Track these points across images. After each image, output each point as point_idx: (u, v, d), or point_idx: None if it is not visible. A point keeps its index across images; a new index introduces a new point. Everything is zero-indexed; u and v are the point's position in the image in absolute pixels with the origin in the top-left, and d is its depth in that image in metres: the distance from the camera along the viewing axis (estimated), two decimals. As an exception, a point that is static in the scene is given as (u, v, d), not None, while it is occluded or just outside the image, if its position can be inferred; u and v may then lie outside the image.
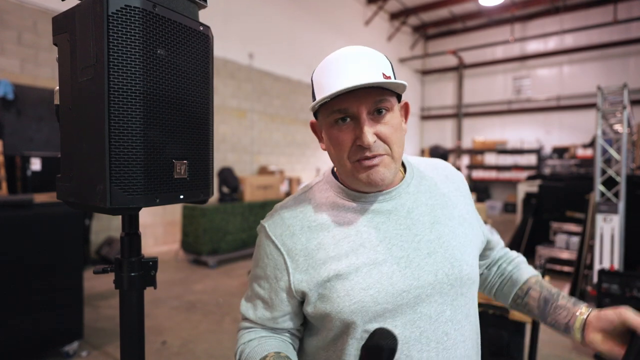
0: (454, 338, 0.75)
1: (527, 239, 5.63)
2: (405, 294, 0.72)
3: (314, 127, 0.84)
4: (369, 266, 0.73)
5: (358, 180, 0.74)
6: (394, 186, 0.81)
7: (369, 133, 0.70)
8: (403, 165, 0.87)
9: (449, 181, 0.88)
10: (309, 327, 0.85)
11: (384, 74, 0.71)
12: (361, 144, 0.70)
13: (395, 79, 0.73)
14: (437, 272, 0.75)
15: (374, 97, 0.71)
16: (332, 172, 0.86)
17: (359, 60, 0.71)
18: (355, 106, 0.70)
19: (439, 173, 0.89)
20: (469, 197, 0.90)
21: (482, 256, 0.98)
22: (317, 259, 0.75)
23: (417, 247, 0.76)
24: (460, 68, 13.35)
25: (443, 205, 0.83)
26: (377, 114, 0.72)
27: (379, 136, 0.72)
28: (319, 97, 0.70)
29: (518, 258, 1.01)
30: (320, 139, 0.82)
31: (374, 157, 0.72)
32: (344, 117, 0.72)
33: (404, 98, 0.81)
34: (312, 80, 0.78)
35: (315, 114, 0.81)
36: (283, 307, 0.79)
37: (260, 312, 0.82)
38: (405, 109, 0.81)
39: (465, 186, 0.91)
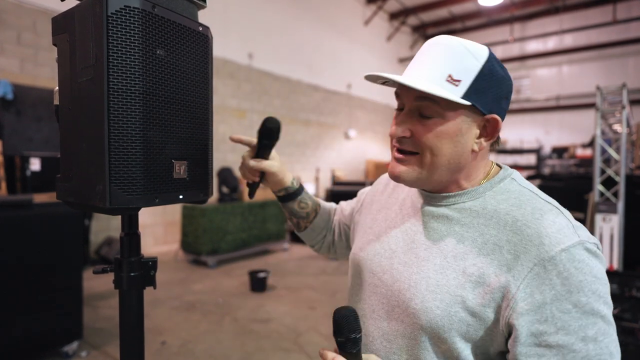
0: (381, 348, 0.74)
1: (527, 238, 5.62)
2: (371, 275, 0.80)
3: None
4: (374, 236, 0.85)
5: (388, 168, 0.77)
6: (450, 192, 0.73)
7: (400, 125, 0.69)
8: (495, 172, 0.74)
9: (512, 231, 0.64)
10: None
11: (450, 76, 0.63)
12: (390, 133, 0.72)
13: (473, 84, 0.64)
14: (395, 283, 0.73)
15: (417, 93, 0.65)
16: None
17: (426, 58, 0.67)
18: (405, 95, 0.69)
19: (510, 212, 0.66)
20: (528, 275, 0.59)
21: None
22: (371, 210, 0.93)
23: (405, 252, 0.75)
24: (459, 68, 13.35)
25: (465, 241, 0.67)
26: (422, 117, 0.67)
27: (413, 134, 0.68)
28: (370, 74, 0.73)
29: None
30: None
31: (400, 151, 0.70)
32: (401, 106, 0.71)
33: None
34: None
35: None
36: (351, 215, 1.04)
37: (346, 206, 1.08)
38: (493, 125, 0.67)
39: (540, 262, 0.59)
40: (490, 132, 0.68)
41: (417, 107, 0.67)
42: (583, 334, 0.57)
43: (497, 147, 0.77)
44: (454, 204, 0.72)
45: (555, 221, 0.62)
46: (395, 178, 0.72)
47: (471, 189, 0.71)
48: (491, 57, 0.66)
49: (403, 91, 0.69)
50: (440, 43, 0.66)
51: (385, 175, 0.93)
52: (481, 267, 0.64)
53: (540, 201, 0.67)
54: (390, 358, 0.72)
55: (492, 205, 0.68)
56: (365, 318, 0.78)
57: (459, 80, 0.63)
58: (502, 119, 0.68)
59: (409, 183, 0.72)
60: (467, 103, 0.64)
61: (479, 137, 0.68)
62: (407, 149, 0.69)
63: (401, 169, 0.70)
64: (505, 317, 0.61)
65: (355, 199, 1.05)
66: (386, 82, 0.71)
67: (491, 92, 0.65)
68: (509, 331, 0.61)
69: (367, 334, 0.77)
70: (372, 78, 0.70)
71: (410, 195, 0.83)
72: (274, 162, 0.97)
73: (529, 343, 0.58)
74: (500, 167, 0.76)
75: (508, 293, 0.60)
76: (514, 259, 0.61)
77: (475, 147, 0.68)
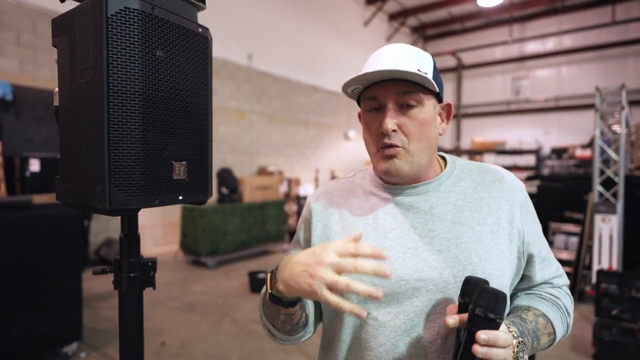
0: (449, 344, 0.72)
1: (526, 239, 5.62)
2: (404, 282, 0.74)
3: (359, 117, 0.88)
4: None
5: (379, 168, 0.78)
6: (424, 181, 0.81)
7: (390, 121, 0.73)
8: (445, 162, 0.87)
9: (495, 188, 0.82)
10: (322, 308, 0.89)
11: (419, 70, 0.71)
12: (382, 130, 0.74)
13: (434, 78, 0.74)
14: (443, 271, 0.73)
15: (400, 88, 0.73)
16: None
17: (396, 53, 0.75)
18: (383, 94, 0.75)
19: (484, 178, 0.84)
20: (520, 210, 0.80)
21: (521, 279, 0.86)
22: (333, 230, 0.84)
23: (429, 243, 0.76)
24: (459, 69, 13.37)
25: (475, 208, 0.79)
26: (406, 107, 0.74)
27: (400, 128, 0.74)
28: (354, 83, 0.75)
29: (542, 289, 0.86)
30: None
31: (391, 146, 0.75)
32: (376, 107, 0.77)
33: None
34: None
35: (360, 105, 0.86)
36: None
37: None
38: (447, 110, 0.82)
39: (519, 198, 0.82)
40: (447, 116, 0.82)
41: (401, 102, 0.74)
42: (546, 243, 0.85)
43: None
44: (439, 186, 0.82)
45: (508, 173, 0.86)
46: (395, 172, 0.76)
47: (444, 171, 0.84)
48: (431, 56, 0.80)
49: (381, 90, 0.75)
50: (399, 46, 0.77)
51: (322, 192, 0.91)
52: (498, 222, 0.78)
53: (486, 164, 0.88)
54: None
55: (467, 178, 0.84)
56: (415, 327, 0.73)
57: (426, 73, 0.72)
58: None
59: (404, 175, 0.77)
60: (436, 90, 0.75)
61: (441, 122, 0.82)
62: (396, 143, 0.75)
63: (398, 163, 0.75)
64: (524, 252, 0.80)
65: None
66: (355, 89, 0.77)
67: (441, 83, 0.79)
68: (527, 260, 0.82)
69: (422, 338, 0.73)
70: (346, 84, 0.74)
71: (385, 199, 0.82)
72: None
73: (537, 262, 0.82)
74: (439, 154, 0.89)
75: (520, 233, 0.79)
76: (511, 207, 0.80)
77: (441, 131, 0.82)
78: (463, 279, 0.70)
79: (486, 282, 0.66)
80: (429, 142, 0.77)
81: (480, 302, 0.61)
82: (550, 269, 0.85)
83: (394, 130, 0.74)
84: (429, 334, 0.73)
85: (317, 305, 0.88)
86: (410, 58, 0.74)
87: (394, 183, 0.82)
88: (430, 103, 0.76)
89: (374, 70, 0.70)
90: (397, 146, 0.74)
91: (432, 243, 0.76)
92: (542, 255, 0.83)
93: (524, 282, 0.85)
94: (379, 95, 0.75)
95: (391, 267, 0.74)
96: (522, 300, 0.84)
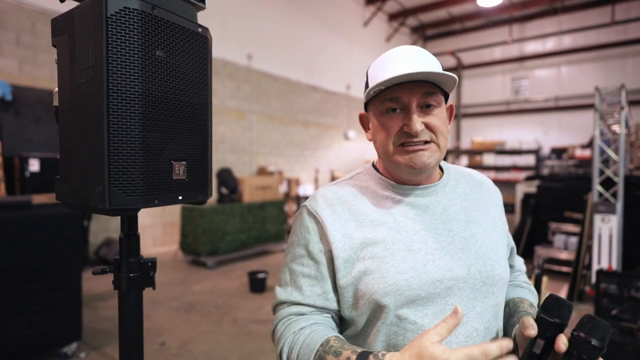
0: (483, 335, 0.76)
1: (526, 239, 5.64)
2: (439, 283, 0.74)
3: (361, 119, 0.91)
4: (404, 252, 0.76)
5: (398, 163, 0.78)
6: (431, 183, 0.84)
7: (417, 121, 0.75)
8: (440, 168, 0.91)
9: (484, 188, 0.92)
10: (342, 321, 0.84)
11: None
12: (409, 131, 0.75)
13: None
14: (470, 267, 0.77)
15: (425, 89, 0.76)
16: (373, 165, 0.91)
17: (414, 55, 0.77)
18: (407, 96, 0.76)
19: (474, 179, 0.93)
20: (501, 208, 0.93)
21: None
22: (355, 239, 0.78)
23: (452, 242, 0.79)
24: (458, 69, 13.37)
25: (477, 207, 0.86)
26: (426, 107, 0.77)
27: (427, 126, 0.77)
28: (372, 86, 0.75)
29: (519, 278, 1.00)
30: (366, 130, 0.88)
31: (419, 142, 0.76)
32: (394, 108, 0.77)
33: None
34: (367, 74, 0.84)
35: (366, 106, 0.87)
36: (332, 279, 0.79)
37: (308, 290, 0.80)
38: (450, 111, 0.86)
39: (499, 196, 0.95)
40: (450, 117, 0.85)
41: (425, 102, 0.77)
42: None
43: None
44: (444, 188, 0.86)
45: (485, 177, 0.98)
46: (422, 165, 0.77)
47: (445, 174, 0.89)
48: None
49: (405, 92, 0.75)
50: (416, 49, 0.78)
51: (319, 203, 0.83)
52: (494, 220, 0.88)
53: (464, 168, 0.97)
54: (490, 331, 0.78)
55: (462, 180, 0.91)
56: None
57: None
58: None
59: (429, 169, 0.79)
60: (448, 92, 0.81)
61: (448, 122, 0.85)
62: (426, 138, 0.77)
63: (427, 155, 0.77)
64: (508, 245, 0.94)
65: (312, 277, 0.81)
66: (376, 91, 0.77)
67: None
68: (510, 252, 0.96)
69: (460, 336, 0.74)
70: (379, 86, 0.75)
71: (398, 201, 0.82)
72: None
73: (514, 252, 0.99)
74: None
75: (504, 227, 0.92)
76: (497, 206, 0.92)
77: (448, 129, 0.83)
78: (485, 273, 0.77)
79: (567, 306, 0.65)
80: (446, 141, 0.81)
81: (585, 329, 0.61)
82: (520, 259, 1.02)
83: (421, 129, 0.76)
84: (465, 331, 0.74)
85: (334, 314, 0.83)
86: (431, 60, 0.78)
87: (404, 183, 0.83)
88: (443, 104, 0.81)
89: (405, 73, 0.71)
90: (428, 141, 0.77)
91: (454, 242, 0.79)
92: (512, 245, 0.97)
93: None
94: (402, 96, 0.76)
95: (425, 269, 0.75)
96: (510, 292, 0.93)
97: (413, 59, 0.75)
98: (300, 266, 0.82)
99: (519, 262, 1.02)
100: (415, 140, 0.76)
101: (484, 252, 0.80)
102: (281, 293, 0.84)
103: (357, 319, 0.78)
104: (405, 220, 0.79)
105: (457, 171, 0.93)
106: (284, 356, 0.76)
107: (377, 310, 0.74)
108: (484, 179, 0.96)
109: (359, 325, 0.79)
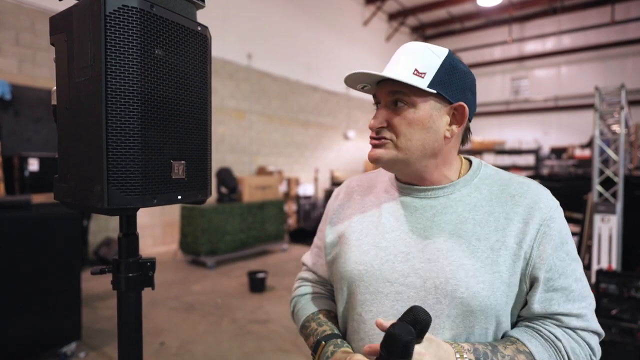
0: None
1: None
2: (389, 285, 0.76)
3: None
4: (370, 246, 0.81)
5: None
6: (437, 185, 0.80)
7: (377, 118, 0.78)
8: (469, 167, 0.83)
9: (512, 202, 0.75)
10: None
11: (416, 70, 0.74)
12: (369, 126, 0.79)
13: (440, 78, 0.74)
14: (427, 281, 0.73)
15: (390, 88, 0.76)
16: None
17: (401, 55, 0.77)
18: (379, 93, 0.79)
19: (504, 191, 0.77)
20: (538, 230, 0.72)
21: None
22: (341, 226, 0.89)
23: (422, 250, 0.76)
24: (458, 69, 13.37)
25: (480, 222, 0.75)
26: (394, 106, 0.77)
27: (389, 123, 0.77)
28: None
29: (545, 324, 0.75)
30: None
31: (378, 139, 0.78)
32: (376, 103, 0.81)
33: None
34: None
35: None
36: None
37: (314, 258, 0.98)
38: (460, 113, 0.76)
39: (540, 217, 0.73)
40: (459, 119, 0.77)
41: (391, 100, 0.77)
42: (574, 276, 0.74)
43: (467, 142, 0.85)
44: (451, 194, 0.79)
45: (540, 188, 0.78)
46: (375, 160, 0.78)
47: (461, 178, 0.80)
48: (450, 54, 0.77)
49: (378, 90, 0.80)
50: (407, 47, 0.77)
51: (344, 187, 0.98)
52: (503, 240, 0.73)
53: (518, 176, 0.81)
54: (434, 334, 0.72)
55: (486, 188, 0.79)
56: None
57: (424, 73, 0.73)
58: (472, 111, 0.78)
59: (388, 164, 0.78)
60: (432, 91, 0.73)
61: (450, 124, 0.77)
62: (384, 136, 0.77)
63: (379, 150, 0.78)
64: (528, 275, 0.73)
65: (317, 242, 0.98)
66: (364, 87, 0.81)
67: (454, 83, 0.75)
68: (531, 285, 0.73)
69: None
70: (350, 82, 0.79)
71: (394, 198, 0.85)
72: None
73: (542, 290, 0.72)
74: (467, 159, 0.87)
75: (527, 254, 0.72)
76: (525, 225, 0.73)
77: (448, 134, 0.77)
78: (442, 292, 0.71)
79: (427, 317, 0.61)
80: (422, 143, 0.75)
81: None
82: (564, 305, 0.72)
83: (382, 127, 0.77)
84: None
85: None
86: (413, 59, 0.75)
87: (407, 182, 0.83)
88: (426, 105, 0.74)
89: (359, 72, 0.74)
90: (385, 138, 0.77)
91: (425, 250, 0.76)
92: (555, 285, 0.72)
93: (524, 309, 0.76)
94: (377, 93, 0.81)
95: (380, 267, 0.78)
96: (515, 331, 0.75)
97: (395, 59, 0.77)
98: (316, 238, 0.99)
99: (555, 306, 0.72)
100: (373, 135, 0.79)
101: (453, 269, 0.71)
102: (306, 255, 1.02)
103: (339, 295, 0.86)
104: (388, 217, 0.82)
105: (490, 177, 0.81)
106: (291, 309, 0.98)
107: (339, 293, 0.84)
108: (525, 191, 0.76)
109: (342, 301, 0.86)
